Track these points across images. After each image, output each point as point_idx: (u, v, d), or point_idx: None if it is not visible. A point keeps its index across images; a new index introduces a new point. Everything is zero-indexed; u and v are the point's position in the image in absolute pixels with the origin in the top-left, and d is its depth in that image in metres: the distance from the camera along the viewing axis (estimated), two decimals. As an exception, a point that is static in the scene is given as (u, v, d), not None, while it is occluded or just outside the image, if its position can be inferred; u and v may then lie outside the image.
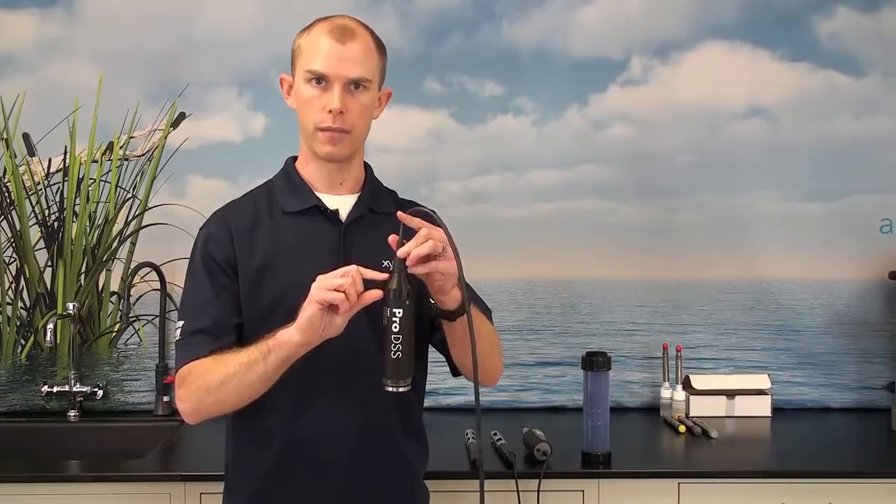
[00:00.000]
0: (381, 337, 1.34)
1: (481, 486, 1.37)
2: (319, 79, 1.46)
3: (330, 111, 1.44)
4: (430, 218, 1.35)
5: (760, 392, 2.46)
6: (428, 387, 1.65)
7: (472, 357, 1.33)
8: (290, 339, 1.34)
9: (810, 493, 1.94)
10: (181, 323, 1.50)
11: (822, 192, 2.54)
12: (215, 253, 1.49)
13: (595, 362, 1.99)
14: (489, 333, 1.53)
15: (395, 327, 1.33)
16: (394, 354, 1.32)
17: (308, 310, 1.32)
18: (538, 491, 1.87)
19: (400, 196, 1.65)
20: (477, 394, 1.34)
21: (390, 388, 1.34)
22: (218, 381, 1.41)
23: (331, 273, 1.32)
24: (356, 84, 1.46)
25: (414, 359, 1.35)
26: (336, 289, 1.29)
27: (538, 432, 2.02)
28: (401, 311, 1.33)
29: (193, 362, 1.46)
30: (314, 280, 1.36)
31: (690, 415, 2.41)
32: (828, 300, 2.56)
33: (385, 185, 1.64)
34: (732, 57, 2.52)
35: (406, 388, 1.35)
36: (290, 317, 1.45)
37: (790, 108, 2.54)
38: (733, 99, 2.54)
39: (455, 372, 1.58)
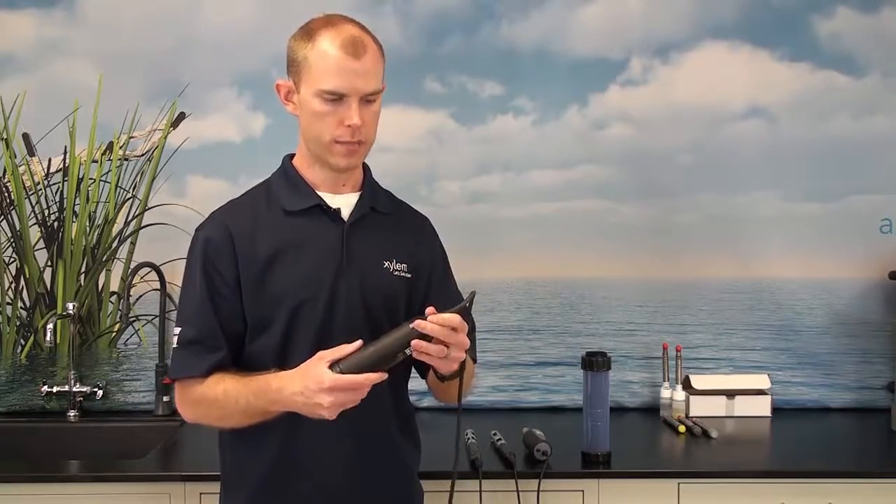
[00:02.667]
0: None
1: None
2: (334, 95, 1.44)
3: (349, 126, 1.43)
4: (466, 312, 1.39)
5: (760, 392, 2.46)
6: (428, 386, 1.65)
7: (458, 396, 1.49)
8: (292, 409, 1.39)
9: (810, 493, 1.94)
10: (178, 329, 1.50)
11: (822, 192, 2.54)
12: (216, 261, 1.48)
13: (595, 362, 1.99)
14: (469, 378, 1.56)
15: (376, 345, 1.37)
16: (369, 349, 1.36)
17: (323, 413, 1.35)
18: (538, 491, 1.87)
19: (397, 196, 1.65)
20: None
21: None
22: (218, 417, 1.48)
23: (352, 384, 1.34)
24: (369, 95, 1.45)
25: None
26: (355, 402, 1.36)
27: (538, 432, 2.01)
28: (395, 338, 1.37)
29: (193, 381, 1.47)
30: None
31: (690, 415, 2.41)
32: (828, 300, 2.56)
33: (384, 184, 1.64)
34: (732, 57, 2.52)
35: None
36: (292, 316, 1.46)
37: (790, 108, 2.53)
38: (733, 99, 2.54)
39: (423, 376, 1.61)
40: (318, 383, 1.33)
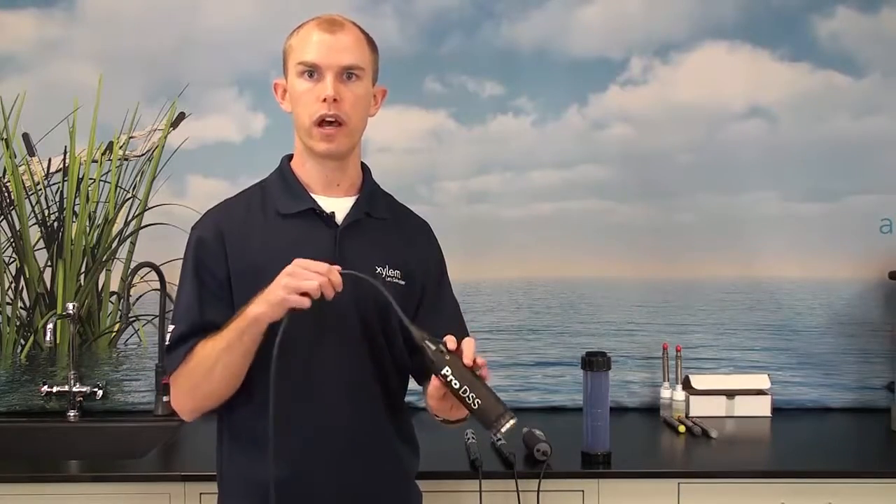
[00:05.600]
0: (453, 399, 1.35)
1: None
2: (311, 71, 1.45)
3: (324, 100, 1.44)
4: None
5: (760, 392, 2.46)
6: (429, 387, 1.65)
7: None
8: (260, 315, 1.36)
9: (810, 493, 1.94)
10: (171, 327, 1.50)
11: (822, 192, 2.54)
12: (208, 261, 1.48)
13: (595, 362, 1.99)
14: None
15: (455, 384, 1.32)
16: (474, 404, 1.32)
17: (279, 293, 1.34)
18: (538, 491, 1.87)
19: (398, 199, 1.65)
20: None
21: (501, 430, 1.31)
22: (204, 373, 1.43)
23: (310, 264, 1.34)
24: (349, 74, 1.46)
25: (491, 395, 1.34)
26: (312, 279, 1.33)
27: (538, 432, 2.02)
28: (447, 368, 1.33)
29: (180, 369, 1.47)
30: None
31: (690, 415, 2.41)
32: (828, 300, 2.56)
33: (384, 185, 1.63)
34: (732, 57, 2.52)
35: (512, 421, 1.32)
36: (282, 321, 1.45)
37: (790, 108, 2.54)
38: (733, 99, 2.54)
39: (420, 382, 1.59)
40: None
